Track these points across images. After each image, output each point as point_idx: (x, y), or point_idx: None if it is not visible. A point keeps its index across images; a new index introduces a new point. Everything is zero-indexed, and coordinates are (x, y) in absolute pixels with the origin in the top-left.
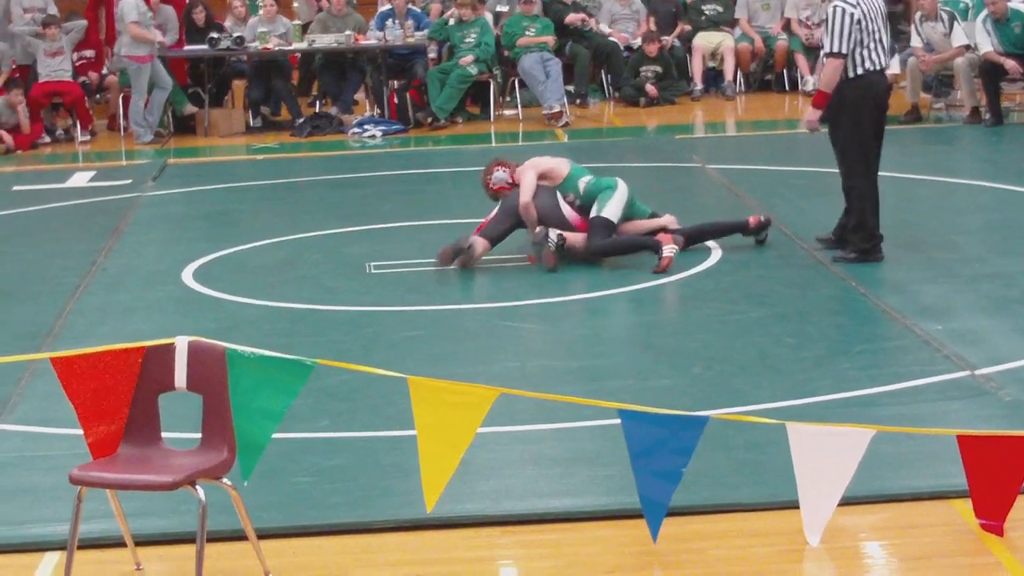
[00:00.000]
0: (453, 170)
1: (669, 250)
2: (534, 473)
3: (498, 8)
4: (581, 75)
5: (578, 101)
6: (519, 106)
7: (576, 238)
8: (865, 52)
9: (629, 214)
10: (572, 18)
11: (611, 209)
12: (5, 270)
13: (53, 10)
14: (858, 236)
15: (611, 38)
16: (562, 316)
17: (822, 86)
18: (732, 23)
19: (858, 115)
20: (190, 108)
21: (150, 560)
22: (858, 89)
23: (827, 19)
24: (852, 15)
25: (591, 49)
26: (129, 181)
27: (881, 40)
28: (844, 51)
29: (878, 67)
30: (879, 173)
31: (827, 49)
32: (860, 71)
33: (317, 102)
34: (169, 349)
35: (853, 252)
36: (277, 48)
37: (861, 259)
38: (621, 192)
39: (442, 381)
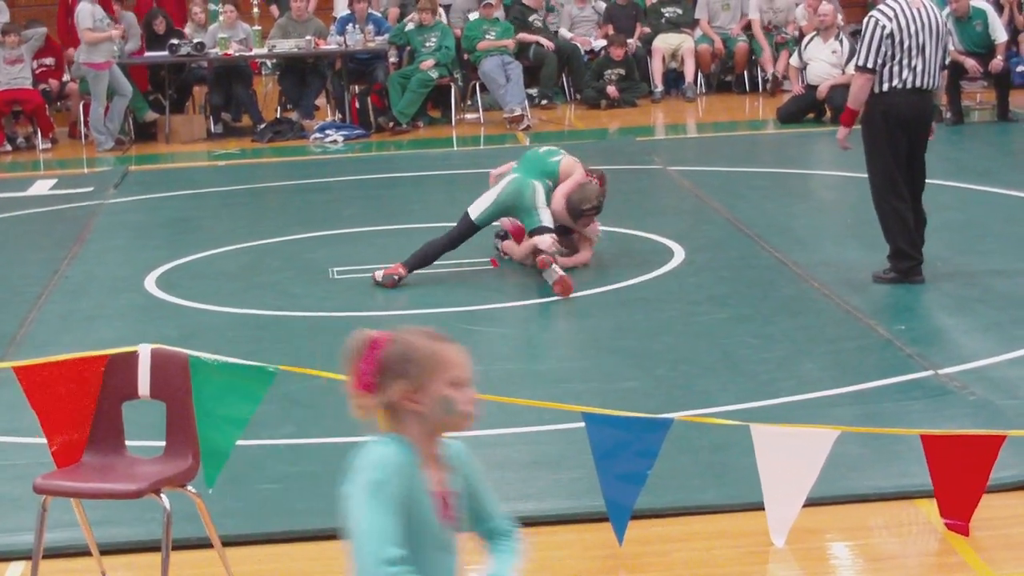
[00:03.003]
0: (415, 174)
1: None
2: (498, 477)
3: (471, 15)
4: (548, 78)
5: (544, 102)
6: (480, 110)
7: (509, 246)
8: (896, 68)
9: (517, 217)
10: (529, 38)
11: (475, 204)
12: None
13: (6, 16)
14: (895, 260)
15: (572, 41)
16: (525, 319)
17: (849, 102)
18: (692, 25)
19: (876, 134)
20: (151, 115)
21: (115, 569)
22: (879, 107)
23: (861, 30)
24: (884, 28)
25: (554, 51)
26: (90, 189)
27: (923, 57)
28: (871, 65)
29: (910, 85)
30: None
31: (856, 62)
32: (886, 87)
33: (279, 107)
34: (132, 357)
35: (892, 273)
36: (237, 54)
37: (899, 280)
38: (491, 193)
39: None
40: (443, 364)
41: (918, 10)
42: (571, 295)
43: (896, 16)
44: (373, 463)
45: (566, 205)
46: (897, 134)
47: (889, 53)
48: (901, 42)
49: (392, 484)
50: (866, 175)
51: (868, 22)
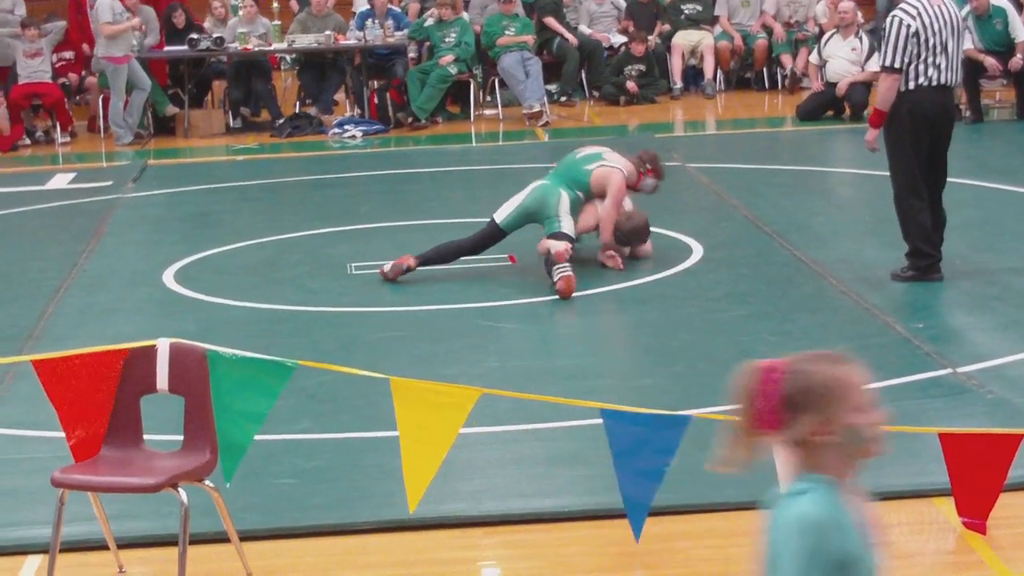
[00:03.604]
0: (434, 170)
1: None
2: (516, 473)
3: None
4: (569, 75)
5: (563, 99)
6: (499, 106)
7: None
8: (921, 66)
9: (540, 223)
10: (556, 27)
11: (501, 209)
12: None
13: (22, 10)
14: (914, 258)
15: (592, 37)
16: (543, 316)
17: (878, 103)
18: (711, 21)
19: (901, 132)
20: (172, 109)
21: (133, 563)
22: (905, 104)
23: (884, 29)
24: (909, 27)
25: (577, 47)
26: (109, 183)
27: (946, 54)
28: (899, 65)
29: (935, 83)
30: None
31: (881, 63)
32: (911, 85)
33: (297, 103)
34: (150, 351)
35: (910, 271)
36: (257, 48)
37: (918, 277)
38: (517, 198)
39: (424, 382)
40: (846, 390)
41: (939, 8)
42: (573, 295)
43: (920, 14)
44: (807, 525)
45: (614, 231)
46: (921, 132)
47: (915, 52)
48: (926, 40)
49: (827, 547)
50: (885, 173)
51: (892, 22)
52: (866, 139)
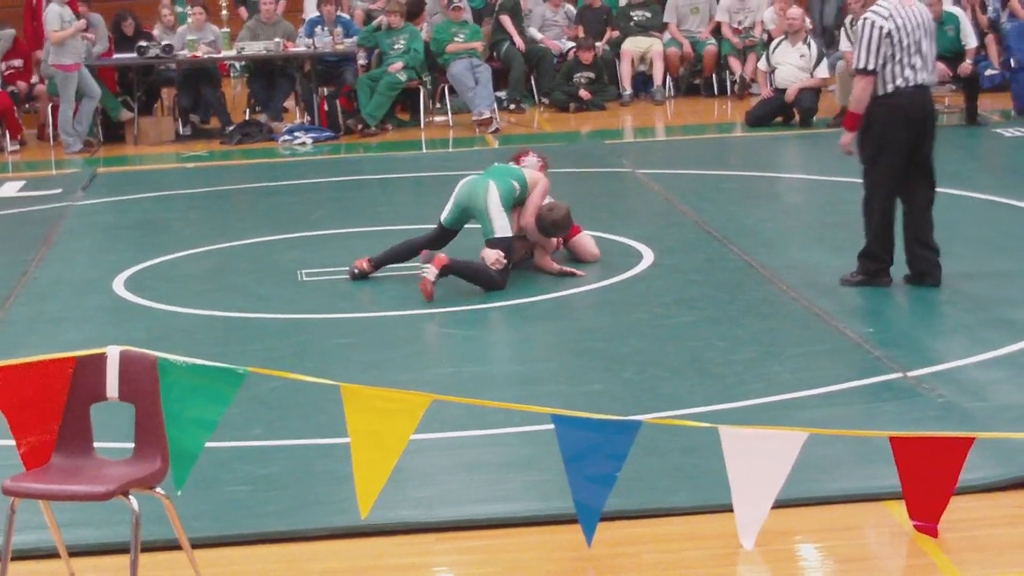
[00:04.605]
0: (383, 177)
1: (427, 272)
2: (468, 479)
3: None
4: (516, 81)
5: (512, 107)
6: (449, 112)
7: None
8: (898, 68)
9: (473, 216)
10: (509, 27)
11: (443, 211)
12: None
13: None
14: (865, 260)
15: (542, 44)
16: (495, 322)
17: (852, 106)
18: (661, 28)
19: (884, 135)
20: (125, 114)
21: (84, 571)
22: (886, 108)
23: (857, 32)
24: (882, 28)
25: (523, 52)
26: (59, 191)
27: (921, 54)
28: (872, 67)
29: (912, 83)
30: (937, 190)
31: (855, 65)
32: (890, 88)
33: (247, 110)
34: (100, 359)
35: (860, 275)
36: (206, 56)
37: (867, 282)
38: (453, 196)
39: (375, 388)
40: None
41: (910, 9)
42: (430, 301)
43: (892, 16)
44: None
45: (537, 223)
46: (902, 135)
47: (889, 53)
48: (900, 40)
49: None
50: (835, 178)
51: (864, 24)
52: (841, 142)
